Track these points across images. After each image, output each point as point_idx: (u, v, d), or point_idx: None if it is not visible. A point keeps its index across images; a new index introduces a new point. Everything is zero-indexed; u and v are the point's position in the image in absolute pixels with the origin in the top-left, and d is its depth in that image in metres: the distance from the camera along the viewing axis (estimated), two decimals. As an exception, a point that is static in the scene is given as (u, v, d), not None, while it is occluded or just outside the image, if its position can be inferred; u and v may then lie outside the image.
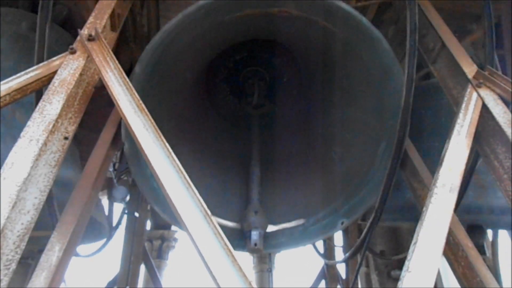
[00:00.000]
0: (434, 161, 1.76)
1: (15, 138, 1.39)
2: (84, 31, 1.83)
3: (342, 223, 2.44)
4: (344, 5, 2.07)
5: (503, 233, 3.54)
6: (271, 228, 2.40)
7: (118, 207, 3.85)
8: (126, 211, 3.86)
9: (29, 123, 1.43)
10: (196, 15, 2.04)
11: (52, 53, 1.81)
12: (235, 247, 1.15)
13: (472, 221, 2.48)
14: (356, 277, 3.87)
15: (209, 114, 3.09)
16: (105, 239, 3.41)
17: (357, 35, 2.15)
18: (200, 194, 1.27)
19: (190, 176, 1.32)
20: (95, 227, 2.74)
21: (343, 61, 2.42)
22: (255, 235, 2.18)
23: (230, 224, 2.38)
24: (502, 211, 2.51)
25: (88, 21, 1.91)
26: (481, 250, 2.52)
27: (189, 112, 2.82)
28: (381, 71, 2.19)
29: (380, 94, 2.28)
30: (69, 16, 3.06)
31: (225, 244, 1.15)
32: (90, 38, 1.79)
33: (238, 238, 2.30)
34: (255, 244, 2.15)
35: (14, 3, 2.90)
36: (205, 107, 3.07)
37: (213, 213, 1.24)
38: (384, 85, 2.22)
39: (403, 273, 1.26)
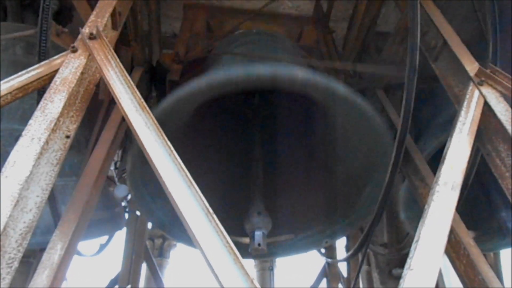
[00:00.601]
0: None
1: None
2: (86, 30, 1.83)
3: (326, 242, 2.80)
4: (338, 86, 2.09)
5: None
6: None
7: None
8: (127, 210, 3.86)
9: (30, 121, 1.43)
10: (190, 96, 2.03)
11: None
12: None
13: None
14: (357, 275, 3.87)
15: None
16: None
17: (351, 111, 2.20)
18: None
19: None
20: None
21: (337, 120, 2.50)
22: (258, 235, 2.19)
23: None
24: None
25: (89, 20, 1.91)
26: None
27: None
28: (372, 138, 2.26)
29: (370, 153, 2.38)
30: (61, 9, 3.06)
31: (227, 242, 1.15)
32: (91, 37, 1.79)
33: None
34: (259, 244, 2.16)
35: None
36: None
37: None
38: (375, 147, 2.31)
39: (405, 271, 1.26)
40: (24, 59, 2.68)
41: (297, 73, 2.07)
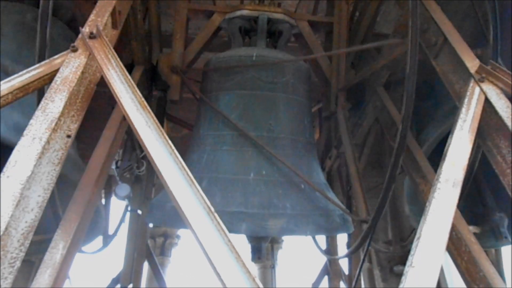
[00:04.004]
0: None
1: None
2: (86, 29, 1.83)
3: None
4: None
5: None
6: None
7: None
8: (128, 209, 3.86)
9: (31, 121, 1.44)
10: None
11: (57, 48, 1.81)
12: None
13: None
14: (359, 273, 3.88)
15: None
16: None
17: None
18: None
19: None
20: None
21: None
22: (257, 248, 2.34)
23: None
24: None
25: (90, 19, 1.90)
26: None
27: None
28: None
29: None
30: (75, 16, 3.08)
31: (229, 240, 1.15)
32: (92, 36, 1.79)
33: None
34: (259, 258, 2.34)
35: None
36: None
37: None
38: None
39: (406, 268, 1.26)
40: (32, 23, 2.72)
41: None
